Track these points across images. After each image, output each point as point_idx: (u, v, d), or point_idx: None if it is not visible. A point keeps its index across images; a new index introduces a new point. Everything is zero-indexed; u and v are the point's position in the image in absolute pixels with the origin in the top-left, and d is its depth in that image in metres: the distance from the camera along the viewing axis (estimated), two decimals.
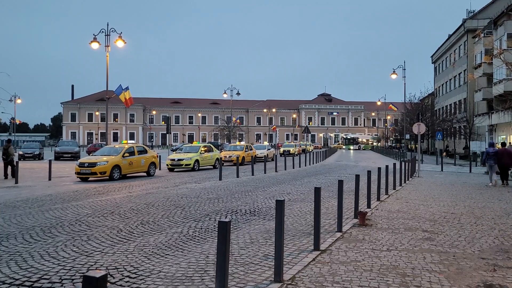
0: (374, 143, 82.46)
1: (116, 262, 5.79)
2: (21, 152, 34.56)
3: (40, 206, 10.50)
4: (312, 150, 51.04)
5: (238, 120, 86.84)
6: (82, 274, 5.22)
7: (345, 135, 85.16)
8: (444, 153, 42.50)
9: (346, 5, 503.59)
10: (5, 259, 5.88)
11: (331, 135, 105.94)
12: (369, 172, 11.11)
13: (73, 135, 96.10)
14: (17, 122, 68.36)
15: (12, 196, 12.48)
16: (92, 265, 5.66)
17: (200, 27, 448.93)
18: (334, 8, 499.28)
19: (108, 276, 5.18)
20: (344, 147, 79.00)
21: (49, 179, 17.71)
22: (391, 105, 54.20)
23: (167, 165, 24.10)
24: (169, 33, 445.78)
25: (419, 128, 22.50)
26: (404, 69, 36.88)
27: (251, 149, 32.43)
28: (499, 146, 19.53)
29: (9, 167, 18.82)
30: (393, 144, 78.00)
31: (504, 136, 35.98)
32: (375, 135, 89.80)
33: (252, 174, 20.64)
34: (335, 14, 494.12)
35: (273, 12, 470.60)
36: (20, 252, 6.23)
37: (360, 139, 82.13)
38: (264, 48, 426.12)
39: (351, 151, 70.23)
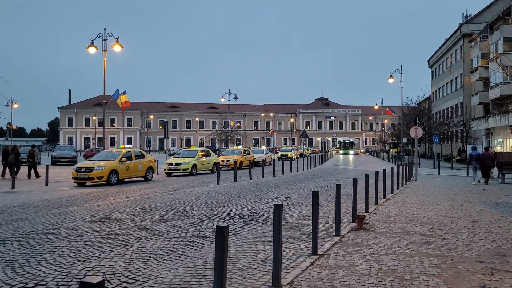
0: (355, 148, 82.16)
1: (114, 267, 5.76)
2: None
3: (37, 211, 10.45)
4: (309, 154, 51.09)
5: (238, 124, 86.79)
6: (79, 280, 5.19)
7: (341, 139, 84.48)
8: (458, 157, 42.04)
9: (344, 10, 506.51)
10: (2, 265, 5.84)
11: (329, 139, 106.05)
12: (366, 176, 11.13)
13: (70, 140, 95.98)
14: (14, 128, 68.08)
15: (9, 202, 12.42)
16: (89, 270, 5.63)
17: (198, 32, 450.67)
18: (332, 13, 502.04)
19: (105, 282, 5.16)
20: (341, 151, 76.16)
21: (46, 184, 17.64)
22: (387, 110, 54.28)
23: (165, 169, 24.08)
24: (167, 38, 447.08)
25: (416, 132, 22.57)
26: (401, 73, 37.00)
27: (249, 153, 32.41)
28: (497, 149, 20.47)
29: (32, 169, 21.46)
30: (369, 149, 78.03)
31: (500, 140, 36.11)
32: (348, 138, 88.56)
33: (250, 179, 20.62)
34: (332, 19, 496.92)
35: (270, 18, 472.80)
36: (16, 258, 6.20)
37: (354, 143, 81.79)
38: (262, 52, 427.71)
39: (350, 156, 69.68)
